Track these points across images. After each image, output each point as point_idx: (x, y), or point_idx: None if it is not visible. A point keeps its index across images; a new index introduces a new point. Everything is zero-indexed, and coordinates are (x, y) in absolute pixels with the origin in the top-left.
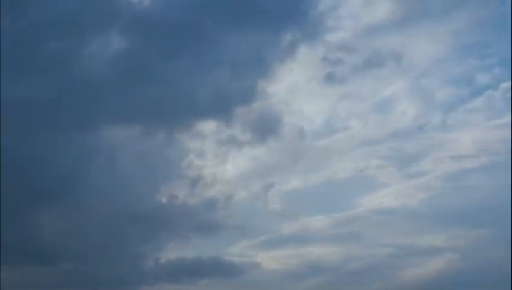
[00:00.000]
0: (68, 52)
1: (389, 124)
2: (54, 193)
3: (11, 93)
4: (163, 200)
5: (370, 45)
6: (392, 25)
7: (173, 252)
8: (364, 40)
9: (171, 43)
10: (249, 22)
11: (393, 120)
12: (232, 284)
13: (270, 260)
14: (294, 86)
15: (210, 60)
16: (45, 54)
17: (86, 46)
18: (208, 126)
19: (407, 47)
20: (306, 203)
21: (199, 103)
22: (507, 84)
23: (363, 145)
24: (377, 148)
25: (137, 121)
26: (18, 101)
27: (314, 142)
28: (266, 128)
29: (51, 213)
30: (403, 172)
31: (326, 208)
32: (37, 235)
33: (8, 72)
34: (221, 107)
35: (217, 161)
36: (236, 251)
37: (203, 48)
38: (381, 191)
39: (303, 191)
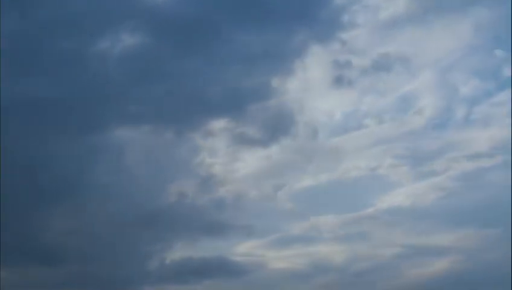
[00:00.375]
0: (77, 51)
1: (407, 122)
2: (60, 193)
3: (20, 93)
4: (172, 199)
5: (389, 40)
6: (409, 20)
7: (180, 252)
8: (381, 36)
9: (183, 40)
10: (262, 19)
11: (411, 118)
12: (237, 284)
13: (277, 259)
14: (309, 84)
15: (222, 57)
16: (54, 52)
17: (96, 45)
18: (219, 124)
19: (427, 42)
20: (317, 202)
21: (211, 100)
22: None
23: (377, 144)
24: (391, 146)
25: (147, 119)
26: (27, 101)
27: (328, 140)
28: (279, 126)
29: (56, 213)
30: (417, 171)
31: (337, 208)
32: (41, 236)
33: (18, 71)
34: (233, 105)
35: (227, 159)
36: (243, 251)
37: (215, 45)
38: (393, 190)
39: (314, 190)
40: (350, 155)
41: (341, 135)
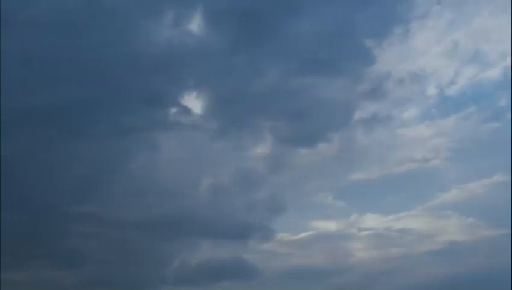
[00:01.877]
0: (114, 51)
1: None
2: (82, 194)
3: (49, 97)
4: (204, 199)
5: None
6: None
7: (202, 254)
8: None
9: (235, 34)
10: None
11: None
12: (254, 284)
13: (299, 258)
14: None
15: (272, 52)
16: (83, 56)
17: (133, 43)
18: (268, 122)
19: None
20: (362, 200)
21: (258, 97)
22: None
23: (435, 136)
24: (448, 139)
25: (188, 119)
26: (56, 105)
27: (383, 133)
28: (330, 121)
29: (78, 214)
30: (472, 167)
31: (382, 205)
32: (62, 238)
33: (48, 76)
34: (280, 101)
35: (273, 158)
36: (266, 250)
37: (266, 38)
38: (444, 186)
39: (363, 186)
40: (404, 148)
41: (396, 129)
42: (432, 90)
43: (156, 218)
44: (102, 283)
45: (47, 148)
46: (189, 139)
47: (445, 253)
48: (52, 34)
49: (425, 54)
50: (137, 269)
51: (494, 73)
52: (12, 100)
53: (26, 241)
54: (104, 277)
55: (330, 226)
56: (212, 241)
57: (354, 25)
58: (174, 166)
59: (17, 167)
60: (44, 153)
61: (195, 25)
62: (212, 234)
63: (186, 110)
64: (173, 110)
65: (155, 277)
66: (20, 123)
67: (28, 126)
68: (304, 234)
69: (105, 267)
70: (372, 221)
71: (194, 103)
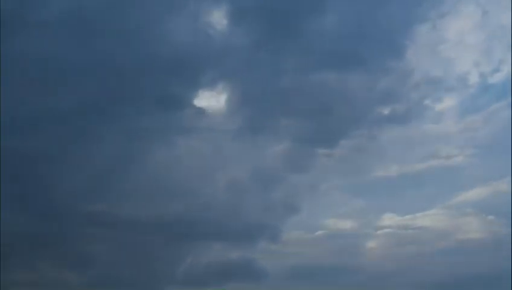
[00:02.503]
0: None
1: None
2: (95, 194)
3: (64, 99)
4: (219, 199)
5: None
6: None
7: (215, 253)
8: None
9: (257, 32)
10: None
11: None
12: (262, 285)
13: (309, 258)
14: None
15: (293, 52)
16: (98, 57)
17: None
18: (286, 120)
19: None
20: (381, 198)
21: (277, 95)
22: None
23: (462, 132)
24: (476, 135)
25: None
26: (71, 106)
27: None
28: (349, 120)
29: (87, 215)
30: (498, 164)
31: (400, 204)
32: (71, 240)
33: (63, 77)
34: (300, 101)
35: (291, 156)
36: (281, 250)
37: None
38: (466, 184)
39: (383, 185)
40: (426, 145)
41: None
42: (473, 79)
43: (169, 218)
44: (110, 283)
45: (62, 149)
46: (207, 138)
47: (461, 251)
48: (67, 35)
49: (457, 45)
50: (146, 270)
51: None
52: (28, 102)
53: (35, 242)
54: (112, 277)
55: (346, 225)
56: (224, 242)
57: (377, 20)
58: (190, 166)
59: (33, 167)
60: (59, 154)
61: (216, 23)
62: (225, 234)
63: (204, 110)
64: (191, 109)
65: (164, 277)
66: (35, 124)
67: (43, 127)
68: (318, 233)
69: (114, 268)
70: (389, 220)
71: (212, 101)
